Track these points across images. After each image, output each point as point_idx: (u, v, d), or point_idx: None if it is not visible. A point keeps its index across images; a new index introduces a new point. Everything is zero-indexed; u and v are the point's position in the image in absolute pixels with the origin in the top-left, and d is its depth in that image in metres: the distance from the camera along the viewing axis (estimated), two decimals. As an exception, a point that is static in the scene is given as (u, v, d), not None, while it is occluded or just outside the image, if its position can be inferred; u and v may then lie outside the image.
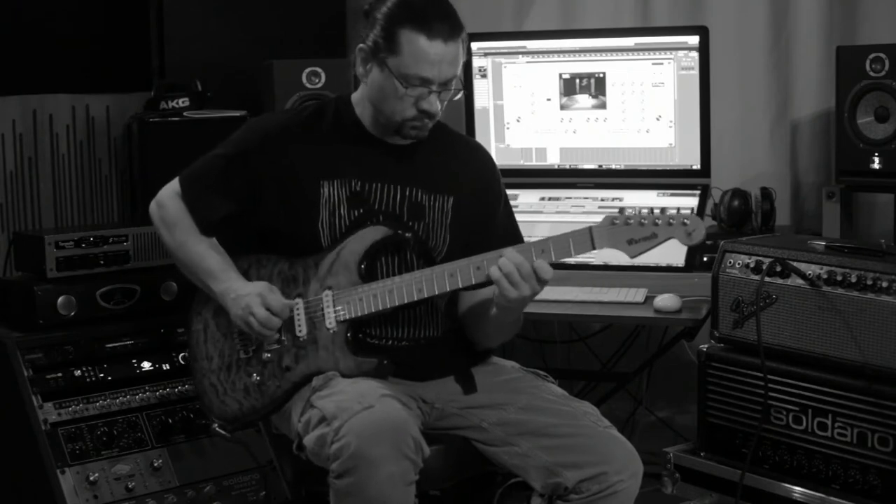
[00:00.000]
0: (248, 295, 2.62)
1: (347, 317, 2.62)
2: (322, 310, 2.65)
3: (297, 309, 2.66)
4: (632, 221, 2.49)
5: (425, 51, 2.53)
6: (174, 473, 3.23)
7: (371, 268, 2.64)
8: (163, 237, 2.80)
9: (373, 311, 2.61)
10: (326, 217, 2.66)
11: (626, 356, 4.02)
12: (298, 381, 2.64)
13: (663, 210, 2.49)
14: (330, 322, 2.64)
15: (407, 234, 2.65)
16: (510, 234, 2.75)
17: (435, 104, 2.59)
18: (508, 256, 2.50)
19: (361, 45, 2.62)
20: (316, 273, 2.66)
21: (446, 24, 2.54)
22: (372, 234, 2.64)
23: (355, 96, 2.71)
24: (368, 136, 2.70)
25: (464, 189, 2.72)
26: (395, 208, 2.68)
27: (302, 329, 2.66)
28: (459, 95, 2.64)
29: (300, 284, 2.68)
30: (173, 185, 2.77)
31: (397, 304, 2.59)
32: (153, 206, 2.79)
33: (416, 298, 2.58)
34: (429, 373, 2.70)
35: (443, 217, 2.70)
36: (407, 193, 2.68)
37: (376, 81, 2.62)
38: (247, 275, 2.71)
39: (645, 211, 2.50)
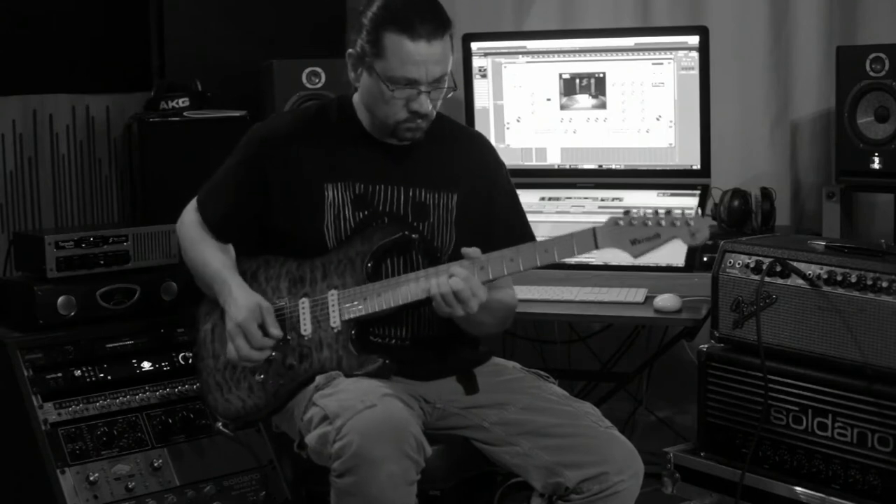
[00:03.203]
0: (232, 320, 2.64)
1: (351, 316, 2.62)
2: (327, 309, 2.65)
3: (303, 308, 2.66)
4: (635, 222, 2.48)
5: (409, 52, 2.53)
6: (174, 473, 3.23)
7: (377, 268, 2.64)
8: (181, 249, 2.84)
9: (377, 310, 2.60)
10: (332, 220, 2.67)
11: (626, 356, 4.01)
12: (302, 379, 2.64)
13: (668, 210, 2.48)
14: (334, 321, 2.64)
15: (413, 235, 2.65)
16: (516, 230, 2.74)
17: (425, 104, 2.59)
18: (455, 273, 2.50)
19: (350, 50, 2.63)
20: (322, 273, 2.67)
21: (428, 24, 2.54)
22: (378, 234, 2.64)
23: (356, 98, 2.72)
24: (370, 138, 2.70)
25: (466, 184, 2.72)
26: (400, 209, 2.68)
27: (307, 328, 2.66)
28: (451, 93, 2.64)
29: (307, 284, 2.68)
30: (193, 200, 2.82)
31: (401, 303, 2.59)
32: (178, 222, 2.85)
33: (420, 298, 2.57)
34: (431, 372, 2.70)
35: (447, 215, 2.70)
36: (410, 194, 2.69)
37: (366, 86, 2.63)
38: (256, 276, 2.73)
39: (649, 211, 2.49)
